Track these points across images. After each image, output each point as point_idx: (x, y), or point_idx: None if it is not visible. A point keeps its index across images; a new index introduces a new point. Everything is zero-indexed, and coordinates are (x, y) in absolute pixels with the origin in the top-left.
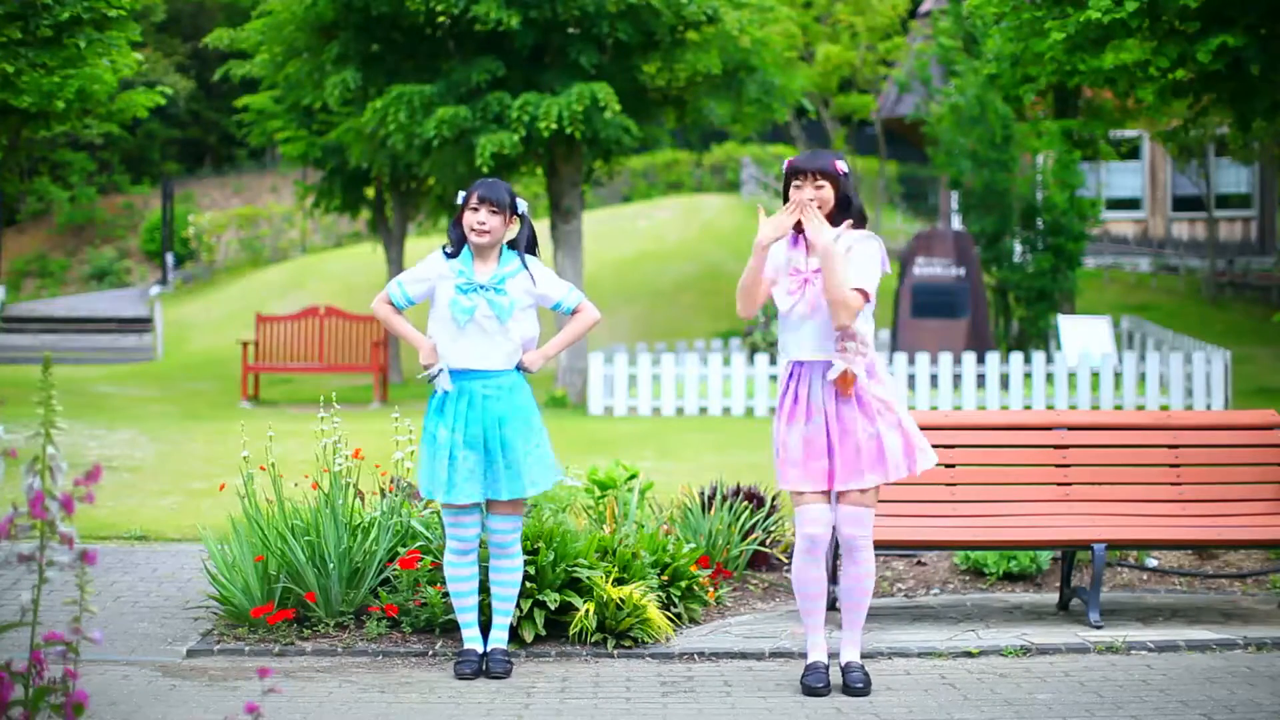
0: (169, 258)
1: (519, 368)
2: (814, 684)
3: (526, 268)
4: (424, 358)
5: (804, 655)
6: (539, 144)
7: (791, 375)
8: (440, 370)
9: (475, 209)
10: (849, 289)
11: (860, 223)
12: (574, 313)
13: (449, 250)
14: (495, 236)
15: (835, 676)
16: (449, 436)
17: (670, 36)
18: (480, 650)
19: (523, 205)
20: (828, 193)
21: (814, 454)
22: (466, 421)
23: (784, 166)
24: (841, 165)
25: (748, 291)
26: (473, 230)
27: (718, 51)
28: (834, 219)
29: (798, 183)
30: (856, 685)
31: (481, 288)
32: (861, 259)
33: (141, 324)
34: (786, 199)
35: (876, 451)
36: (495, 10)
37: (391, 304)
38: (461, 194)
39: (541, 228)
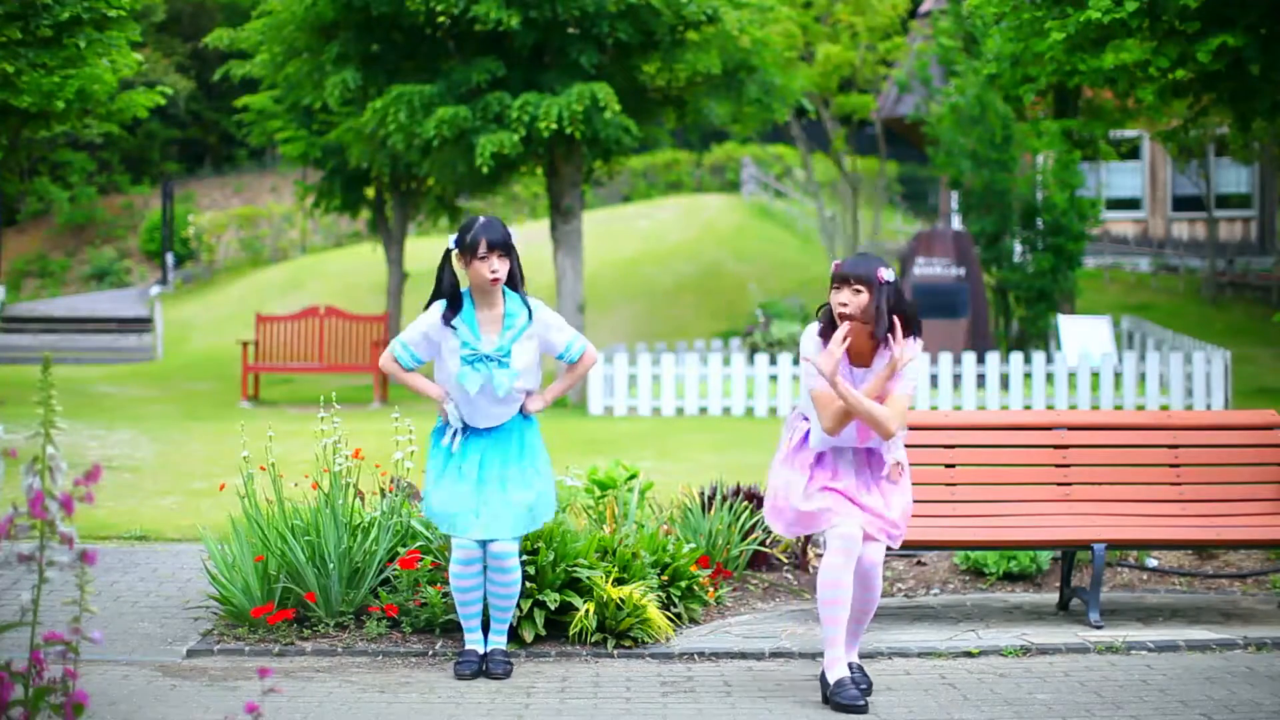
0: (169, 258)
1: (522, 411)
2: (852, 700)
3: (532, 319)
4: (440, 408)
5: (804, 656)
6: (539, 144)
7: (824, 454)
8: (452, 405)
9: (485, 257)
10: (883, 412)
11: (911, 326)
12: (575, 363)
13: (446, 315)
14: (503, 278)
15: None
16: (459, 471)
17: (670, 36)
18: (481, 651)
19: (515, 235)
20: (864, 299)
21: (842, 499)
22: (481, 459)
23: (832, 269)
24: (885, 273)
25: (835, 417)
26: (488, 280)
27: (718, 51)
28: (876, 326)
29: (836, 286)
30: (860, 687)
31: (487, 359)
32: (907, 379)
33: (141, 324)
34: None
35: (895, 513)
36: (495, 10)
37: (398, 363)
38: (452, 240)
39: (541, 228)
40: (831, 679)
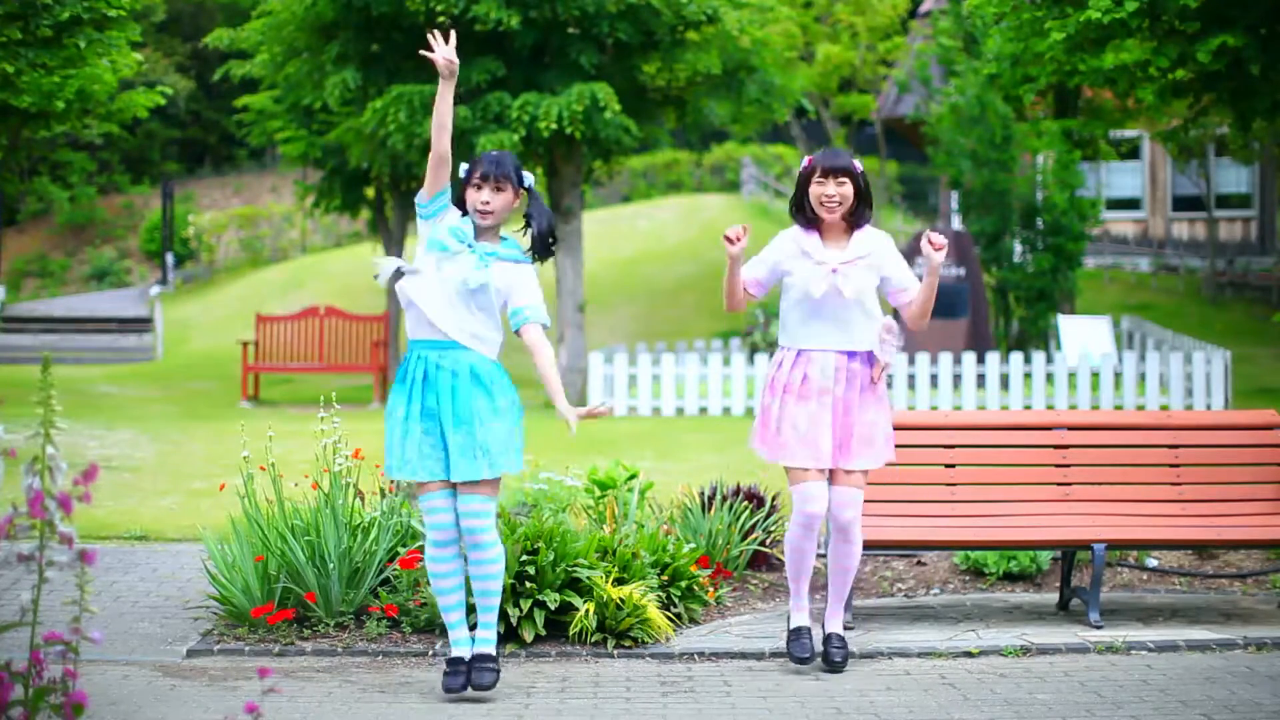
0: (169, 258)
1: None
2: (800, 654)
3: (517, 262)
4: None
5: None
6: (539, 144)
7: (796, 361)
8: (394, 269)
9: (478, 186)
10: (923, 299)
11: (869, 212)
12: (518, 331)
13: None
14: (499, 217)
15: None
16: (406, 409)
17: (670, 36)
18: (469, 658)
19: (529, 178)
20: (849, 189)
21: (819, 433)
22: (423, 393)
23: (804, 164)
24: (858, 164)
25: (729, 293)
26: (476, 211)
27: (718, 51)
28: (855, 213)
29: (820, 179)
30: (835, 659)
31: (470, 247)
32: (898, 264)
33: (141, 324)
34: (803, 195)
35: (874, 437)
36: (495, 10)
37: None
38: (464, 167)
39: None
40: (790, 625)
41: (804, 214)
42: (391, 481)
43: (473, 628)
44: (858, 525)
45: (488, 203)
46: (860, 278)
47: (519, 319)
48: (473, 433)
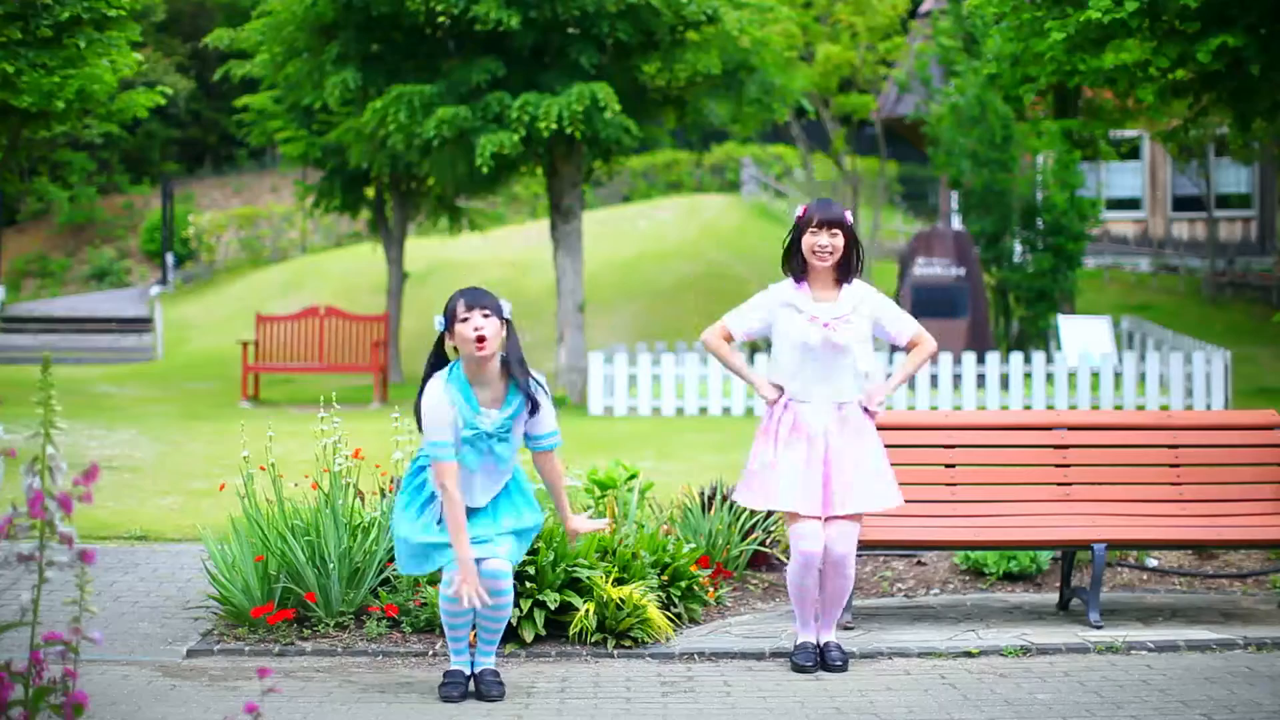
0: (169, 258)
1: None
2: (803, 662)
3: (530, 401)
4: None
5: None
6: (539, 144)
7: (787, 407)
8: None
9: (465, 318)
10: (921, 354)
11: (858, 270)
12: (536, 453)
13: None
14: (493, 345)
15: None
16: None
17: (670, 36)
18: (468, 671)
19: (506, 307)
20: (840, 241)
21: (811, 477)
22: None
23: (799, 213)
24: (849, 216)
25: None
26: (473, 343)
27: (718, 51)
28: (845, 264)
29: (815, 230)
30: (835, 663)
31: (487, 435)
32: (890, 309)
33: (141, 324)
34: (796, 243)
35: (868, 480)
36: (495, 10)
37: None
38: (439, 320)
39: (541, 228)
40: (796, 641)
41: (794, 263)
42: (391, 481)
43: (471, 643)
44: (852, 558)
45: (480, 328)
46: (852, 328)
47: (540, 445)
48: (512, 520)
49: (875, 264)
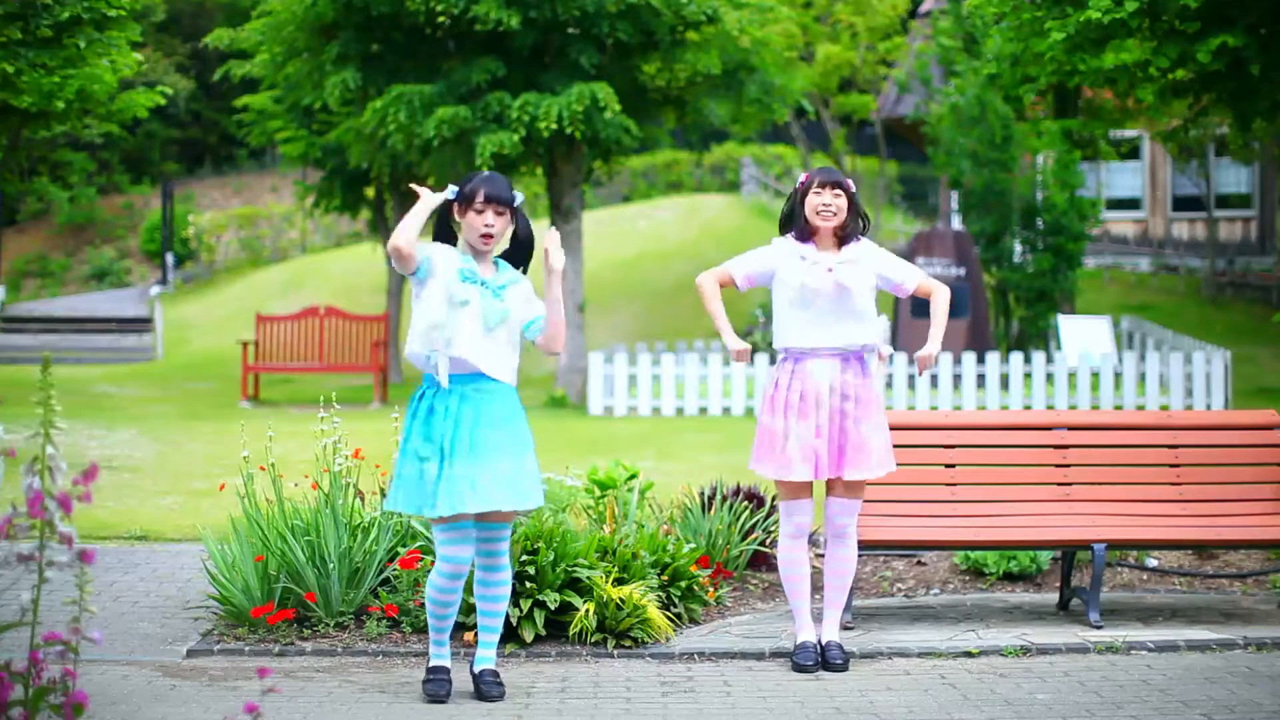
0: (169, 258)
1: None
2: (804, 662)
3: (519, 280)
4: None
5: None
6: (539, 144)
7: (793, 377)
8: (434, 356)
9: (481, 210)
10: (940, 307)
11: (864, 227)
12: (534, 339)
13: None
14: (498, 241)
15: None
16: (428, 446)
17: (670, 36)
18: (449, 665)
19: (519, 197)
20: (843, 202)
21: (818, 445)
22: (454, 428)
23: (802, 178)
24: (851, 183)
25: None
26: (479, 237)
27: (718, 51)
28: (849, 226)
29: (818, 190)
30: (836, 662)
31: (484, 283)
32: (892, 258)
33: (141, 324)
34: (800, 205)
35: (871, 447)
36: (495, 10)
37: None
38: (451, 188)
39: (541, 228)
40: (796, 641)
41: (796, 226)
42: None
43: (471, 642)
44: (854, 529)
45: (491, 226)
46: (856, 272)
47: (535, 329)
48: (521, 460)
49: None
